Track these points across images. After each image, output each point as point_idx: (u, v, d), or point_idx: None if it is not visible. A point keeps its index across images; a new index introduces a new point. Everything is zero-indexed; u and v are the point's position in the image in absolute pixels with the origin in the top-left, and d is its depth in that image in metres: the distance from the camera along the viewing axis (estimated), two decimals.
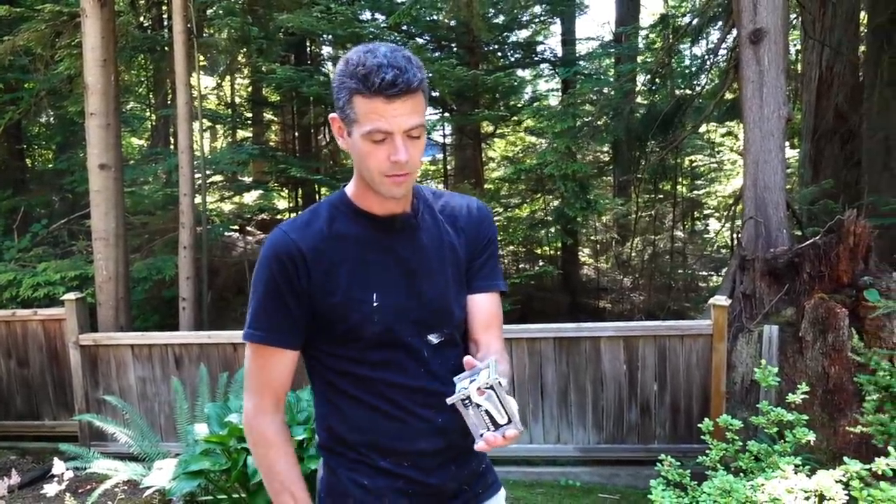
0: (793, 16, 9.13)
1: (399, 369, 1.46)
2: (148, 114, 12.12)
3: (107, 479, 3.84)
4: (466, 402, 1.23)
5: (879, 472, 2.01)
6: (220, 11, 8.57)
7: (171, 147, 10.18)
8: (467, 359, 1.35)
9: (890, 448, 2.09)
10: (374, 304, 1.42)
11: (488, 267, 1.57)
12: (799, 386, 2.66)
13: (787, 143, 5.53)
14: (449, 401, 1.27)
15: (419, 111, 1.34)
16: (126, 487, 4.23)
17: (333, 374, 1.50)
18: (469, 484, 1.58)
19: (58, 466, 3.42)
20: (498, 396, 1.22)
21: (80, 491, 4.51)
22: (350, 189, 1.50)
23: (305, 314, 1.44)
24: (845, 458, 2.07)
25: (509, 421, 1.24)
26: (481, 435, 1.27)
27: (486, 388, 1.22)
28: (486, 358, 1.38)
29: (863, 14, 9.23)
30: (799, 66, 9.78)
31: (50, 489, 3.34)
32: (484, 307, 1.56)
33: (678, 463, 2.51)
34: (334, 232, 1.45)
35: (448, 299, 1.50)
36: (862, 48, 9.14)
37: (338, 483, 1.53)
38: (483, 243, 1.57)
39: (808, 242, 4.82)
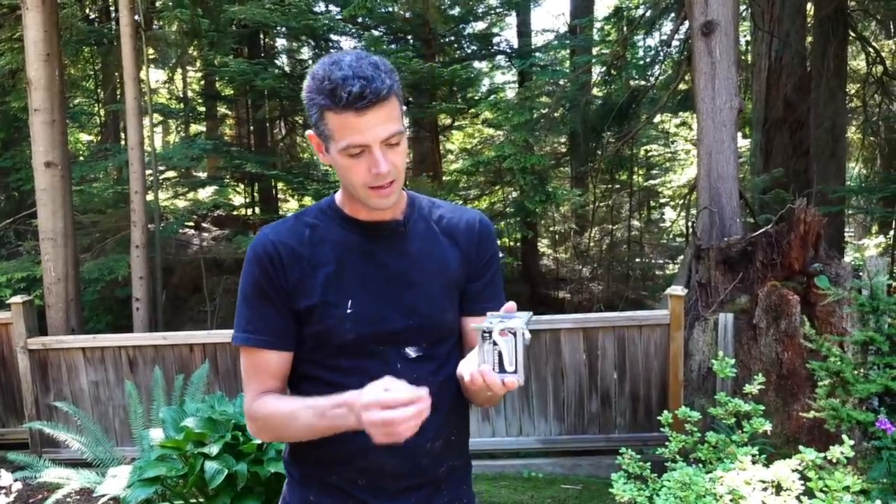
0: (742, 7, 9.29)
1: (367, 379, 1.29)
2: (96, 109, 11.78)
3: (59, 487, 3.72)
4: (486, 335, 1.21)
5: (833, 460, 2.05)
6: (170, 3, 8.36)
7: (122, 143, 9.92)
8: (509, 304, 1.27)
9: (844, 436, 2.14)
10: (349, 311, 1.36)
11: (490, 289, 1.48)
12: (755, 377, 2.71)
13: (738, 133, 5.63)
14: (473, 326, 1.24)
15: (394, 117, 1.29)
16: (79, 497, 4.12)
17: (302, 379, 1.43)
18: None
19: (4, 478, 3.30)
20: (516, 345, 1.20)
21: (30, 501, 4.37)
22: (338, 195, 1.45)
23: (290, 313, 1.38)
24: (801, 447, 2.11)
25: (515, 372, 1.22)
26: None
27: (511, 332, 1.20)
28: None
29: (809, 6, 9.44)
30: (749, 57, 9.96)
31: None
32: None
33: (638, 456, 2.53)
34: (316, 236, 1.40)
35: (432, 312, 1.41)
36: (809, 39, 9.36)
37: (290, 498, 1.48)
38: (483, 263, 1.49)
39: (760, 231, 4.91)
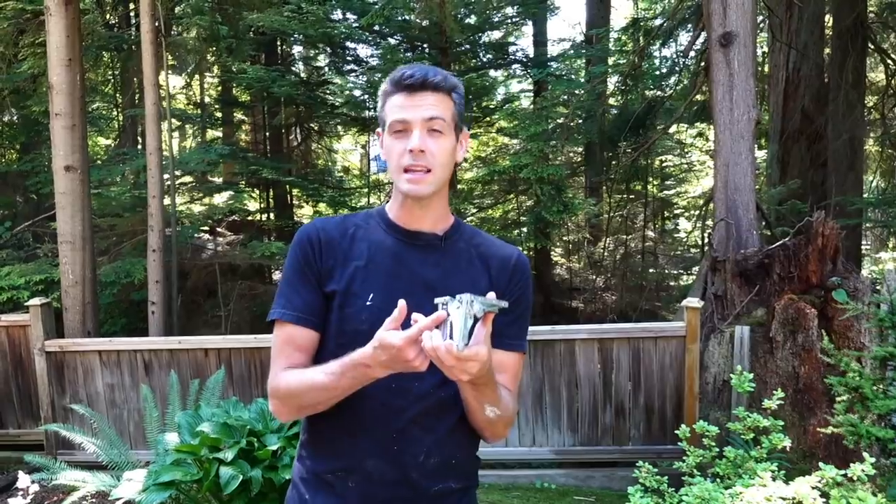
0: (760, 18, 9.27)
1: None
2: (115, 113, 11.89)
3: (74, 490, 3.74)
4: (445, 307, 1.23)
5: (854, 477, 2.03)
6: (189, 10, 8.43)
7: (139, 147, 10.01)
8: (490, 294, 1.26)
9: (865, 454, 2.11)
10: (368, 303, 1.40)
11: (516, 327, 1.50)
12: (774, 392, 2.68)
13: (755, 144, 5.60)
14: (436, 300, 1.25)
15: (442, 109, 1.40)
16: (94, 500, 4.13)
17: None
18: None
19: (22, 480, 3.33)
20: (466, 316, 1.21)
21: (46, 503, 4.40)
22: (388, 204, 1.53)
23: (322, 295, 1.44)
24: (820, 464, 2.09)
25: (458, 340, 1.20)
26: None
27: (461, 303, 1.22)
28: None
29: (828, 17, 9.39)
30: (766, 69, 9.92)
31: (14, 503, 3.24)
32: (501, 361, 1.45)
33: (655, 469, 2.52)
34: (358, 233, 1.48)
35: None
36: (827, 50, 9.31)
37: (292, 495, 1.53)
38: (513, 298, 1.46)
39: (778, 244, 4.88)
